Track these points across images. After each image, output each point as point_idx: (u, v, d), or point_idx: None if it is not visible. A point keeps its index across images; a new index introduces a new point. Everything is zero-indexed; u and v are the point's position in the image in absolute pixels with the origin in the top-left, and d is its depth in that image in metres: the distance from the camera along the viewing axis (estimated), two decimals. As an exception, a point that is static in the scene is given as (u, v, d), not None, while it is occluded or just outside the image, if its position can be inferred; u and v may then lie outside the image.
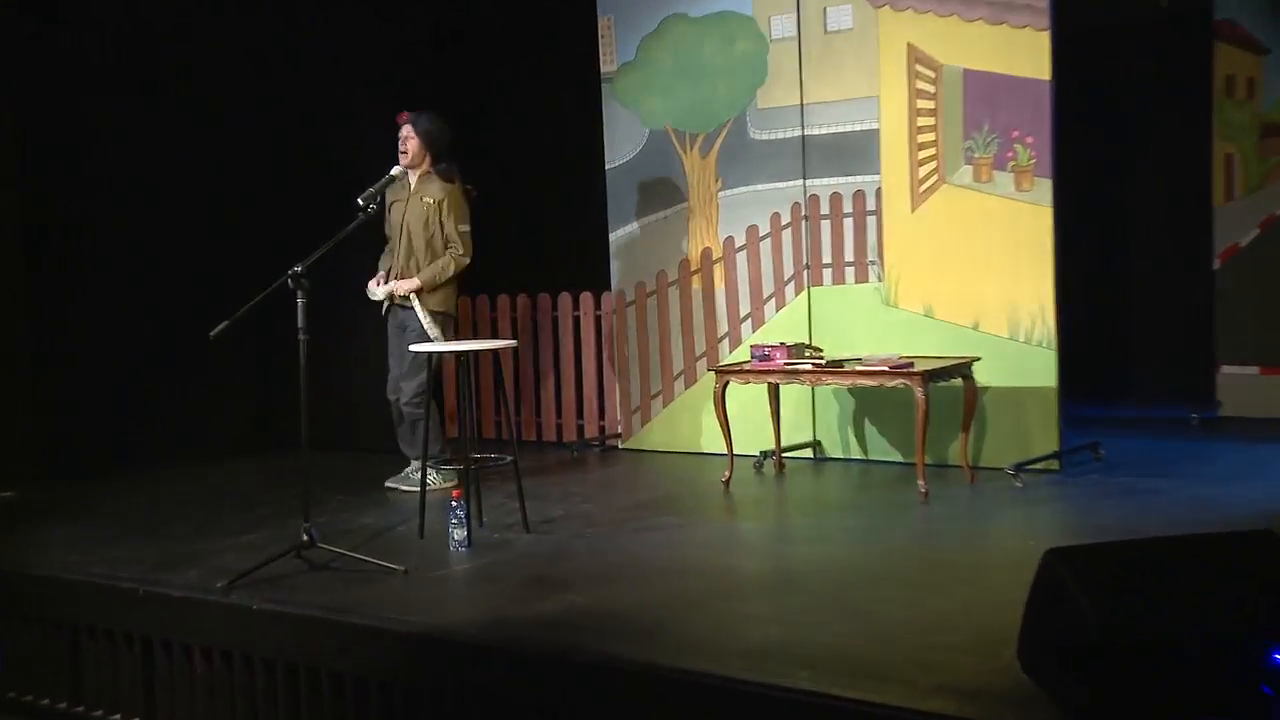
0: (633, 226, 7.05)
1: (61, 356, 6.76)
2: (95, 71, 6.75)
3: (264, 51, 7.43)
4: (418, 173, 5.91)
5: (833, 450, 6.49)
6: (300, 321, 4.60)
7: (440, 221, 5.84)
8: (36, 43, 6.47)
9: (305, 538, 4.60)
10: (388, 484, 6.05)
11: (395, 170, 5.24)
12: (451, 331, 5.97)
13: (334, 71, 7.41)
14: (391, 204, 6.00)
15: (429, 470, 5.75)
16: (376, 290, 5.92)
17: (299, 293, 4.59)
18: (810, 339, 6.40)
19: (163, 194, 7.09)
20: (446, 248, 5.86)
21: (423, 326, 5.79)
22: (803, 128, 6.44)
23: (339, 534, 5.11)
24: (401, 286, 5.84)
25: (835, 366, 5.64)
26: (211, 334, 4.69)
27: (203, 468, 6.96)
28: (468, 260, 5.88)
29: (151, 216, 7.06)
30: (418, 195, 5.89)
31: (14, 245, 6.50)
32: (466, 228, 5.86)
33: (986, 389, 5.93)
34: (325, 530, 4.96)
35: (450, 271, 5.85)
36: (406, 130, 5.87)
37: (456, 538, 4.82)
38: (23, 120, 6.48)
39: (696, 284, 6.87)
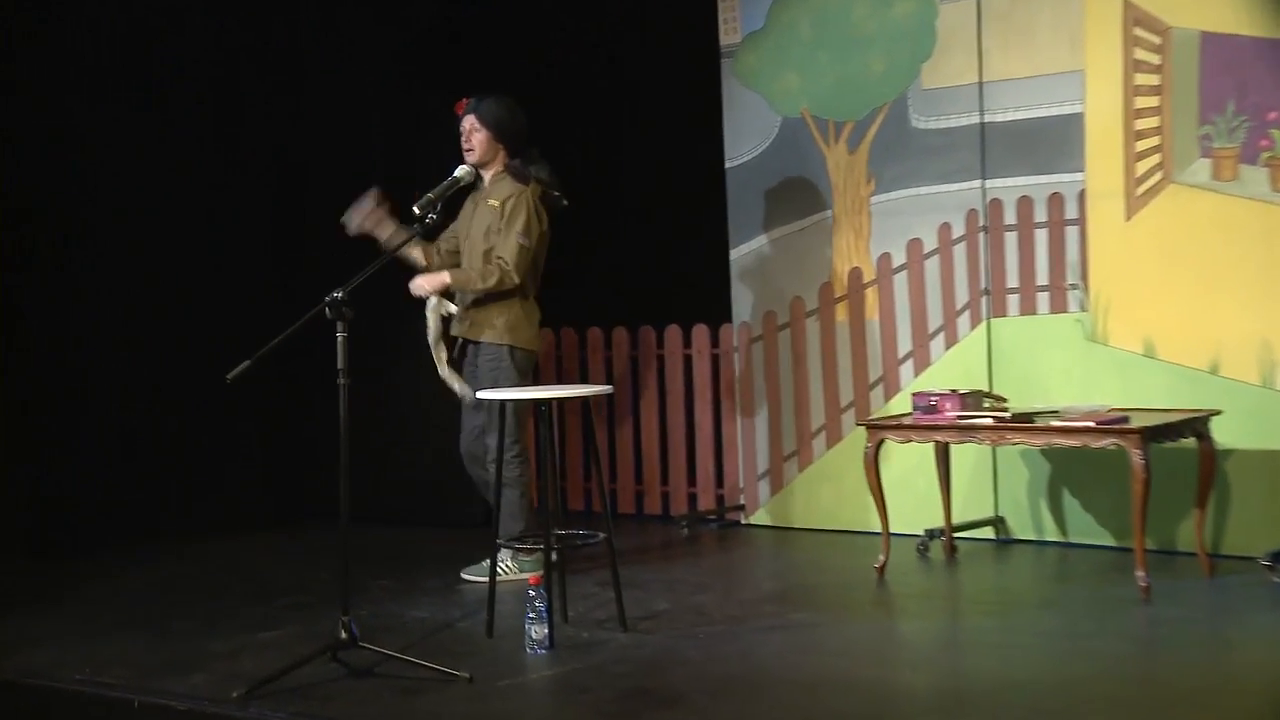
0: (760, 241, 7.04)
1: (37, 407, 6.89)
2: (86, 77, 6.96)
3: (270, 27, 7.57)
4: (490, 171, 5.94)
5: (1020, 530, 6.38)
6: (340, 361, 4.61)
7: (499, 228, 5.80)
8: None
9: (343, 635, 4.60)
10: (465, 574, 6.00)
11: (460, 171, 5.26)
12: (530, 376, 5.95)
13: (360, 55, 7.53)
14: (460, 212, 6.04)
15: (503, 554, 5.73)
16: (429, 298, 5.84)
17: (340, 324, 4.61)
18: (990, 385, 6.33)
19: (158, 211, 7.23)
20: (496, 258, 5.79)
21: (494, 363, 5.80)
22: (981, 112, 6.37)
23: (385, 630, 5.10)
24: (422, 283, 5.75)
25: (1024, 421, 5.55)
26: (229, 376, 4.73)
27: (211, 544, 7.04)
28: (516, 279, 5.76)
29: (145, 238, 7.20)
30: (486, 198, 5.91)
31: None
32: (526, 241, 5.77)
33: (1229, 452, 5.78)
34: (367, 625, 4.96)
35: (491, 282, 5.75)
36: (469, 122, 5.87)
37: (534, 637, 4.80)
38: None
39: (842, 314, 6.83)
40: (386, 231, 5.77)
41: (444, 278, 5.81)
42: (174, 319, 7.27)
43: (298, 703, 4.32)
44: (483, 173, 5.90)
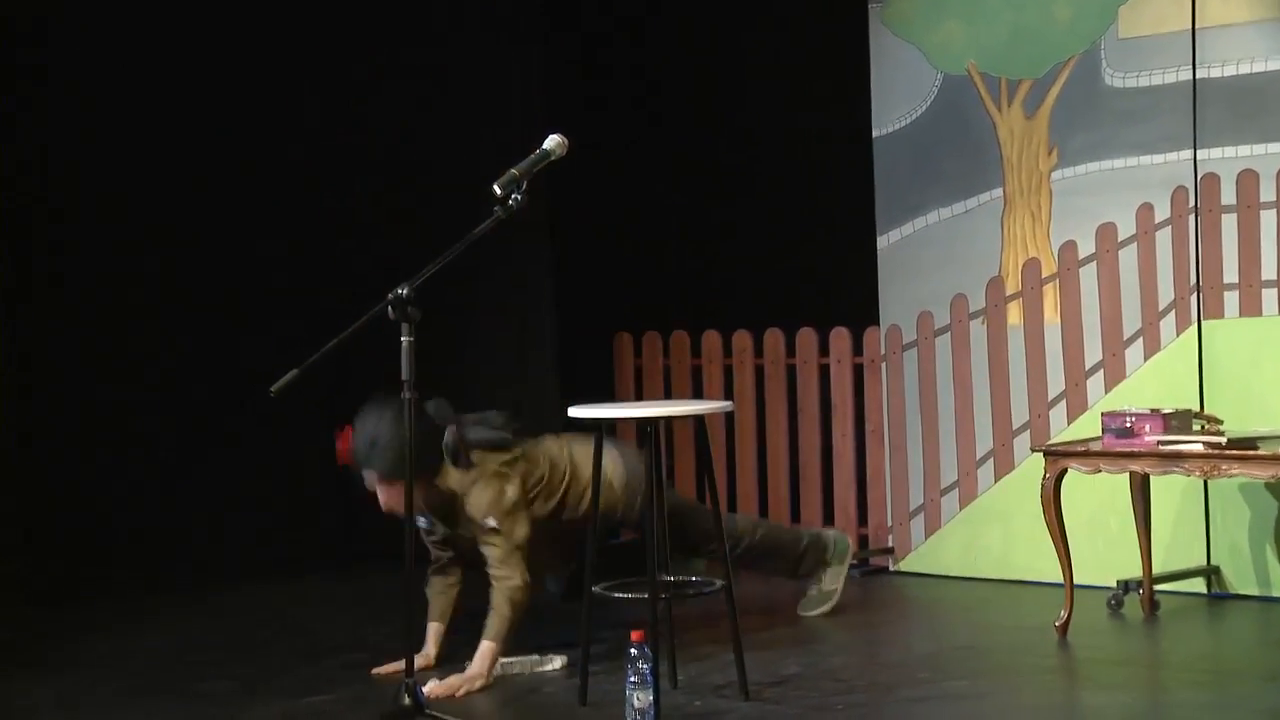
0: (914, 226, 7.02)
1: (50, 434, 6.99)
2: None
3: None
4: (448, 493, 5.49)
5: (1239, 582, 6.30)
6: (405, 370, 4.64)
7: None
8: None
9: (406, 700, 4.61)
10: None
11: (550, 142, 5.18)
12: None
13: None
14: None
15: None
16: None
17: (405, 327, 4.63)
18: (1202, 404, 6.26)
19: (181, 208, 7.35)
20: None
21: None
22: (1194, 67, 6.30)
23: (459, 697, 5.13)
24: (471, 682, 5.28)
25: (1244, 447, 5.47)
26: (274, 389, 4.77)
27: (245, 590, 7.08)
28: (525, 580, 5.43)
29: (166, 240, 7.31)
30: (461, 523, 5.54)
31: None
32: (519, 536, 5.46)
33: None
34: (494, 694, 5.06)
35: (515, 606, 5.40)
36: (370, 480, 5.37)
37: (637, 705, 4.76)
38: None
39: (1015, 316, 6.78)
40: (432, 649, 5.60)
41: (486, 658, 5.34)
42: (198, 331, 7.35)
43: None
44: (434, 506, 5.51)
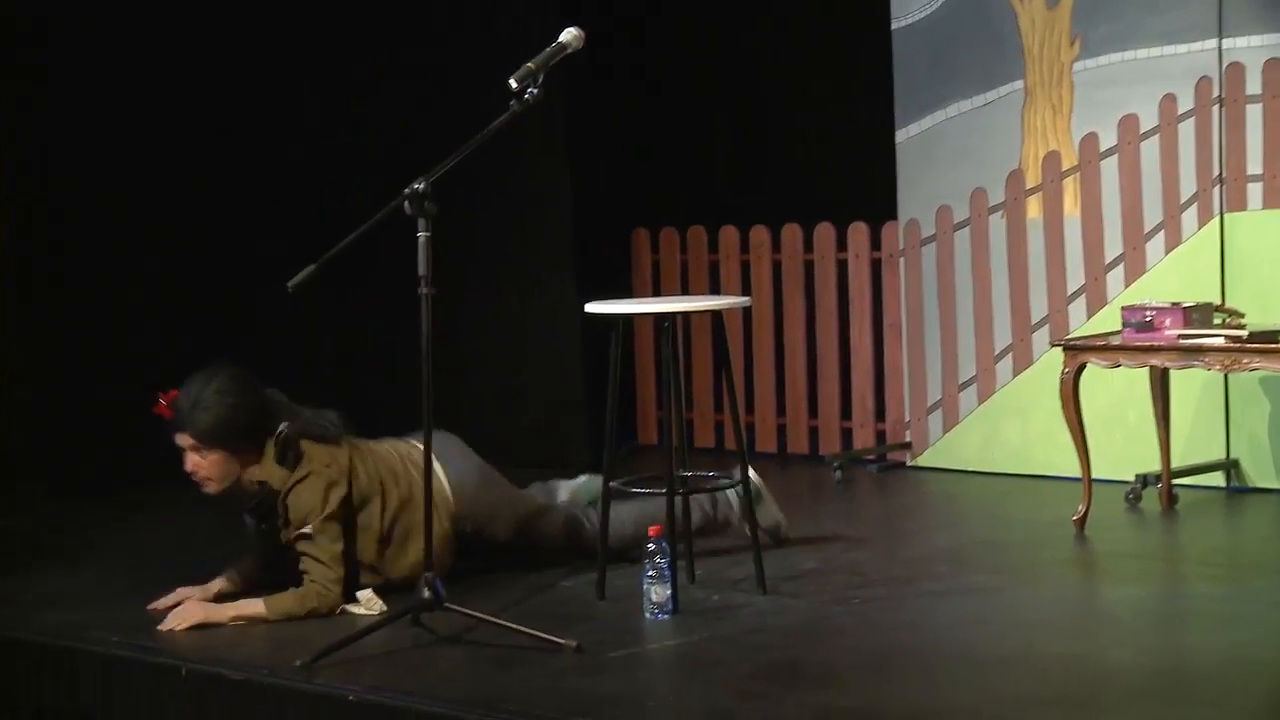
0: (933, 120, 6.99)
1: (66, 336, 7.08)
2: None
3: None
4: (265, 482, 5.07)
5: (1258, 476, 6.32)
6: (422, 267, 4.61)
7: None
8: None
9: (426, 594, 4.62)
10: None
11: (567, 35, 5.10)
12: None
13: None
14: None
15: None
16: None
17: (421, 222, 4.61)
18: (1223, 297, 6.23)
19: (180, 207, 7.41)
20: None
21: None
22: (1218, -49, 6.26)
23: (478, 588, 5.14)
24: (186, 616, 4.94)
25: (1265, 340, 5.46)
26: (291, 284, 4.74)
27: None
28: (336, 596, 4.97)
29: (165, 238, 7.38)
30: (281, 523, 5.08)
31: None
32: (337, 543, 5.01)
33: None
34: (457, 584, 4.97)
35: (309, 606, 4.95)
36: (185, 442, 5.01)
37: (654, 599, 4.81)
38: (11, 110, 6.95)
39: (1034, 210, 6.77)
40: (216, 587, 5.16)
41: (245, 612, 4.95)
42: (216, 226, 7.38)
43: (371, 674, 4.36)
44: (251, 489, 5.09)
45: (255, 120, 7.46)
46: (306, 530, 4.98)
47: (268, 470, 5.04)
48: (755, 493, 5.37)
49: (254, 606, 4.95)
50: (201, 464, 5.01)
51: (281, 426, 5.03)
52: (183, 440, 5.02)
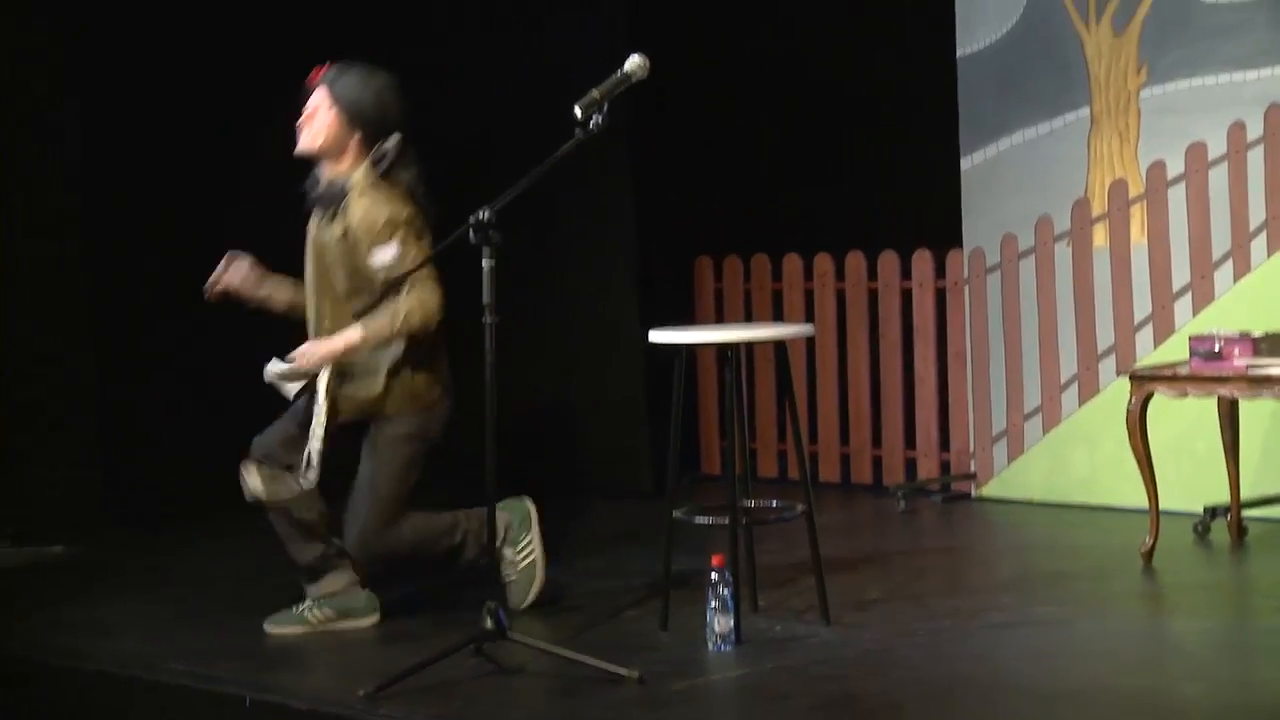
0: (999, 147, 6.99)
1: (134, 364, 7.14)
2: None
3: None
4: (337, 173, 5.20)
5: (1329, 509, 6.26)
6: (487, 295, 4.65)
7: (358, 257, 5.08)
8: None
9: (489, 624, 4.64)
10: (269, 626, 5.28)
11: (631, 64, 5.05)
12: (423, 442, 5.24)
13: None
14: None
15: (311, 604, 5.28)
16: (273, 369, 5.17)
17: (486, 250, 4.64)
18: (1292, 327, 6.18)
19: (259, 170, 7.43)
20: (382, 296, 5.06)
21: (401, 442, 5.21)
22: (1290, -21, 6.24)
23: (540, 618, 5.17)
24: (314, 352, 5.08)
25: (1336, 371, 5.41)
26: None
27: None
28: (438, 317, 5.06)
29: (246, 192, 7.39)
30: (329, 218, 5.18)
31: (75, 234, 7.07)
32: (394, 250, 5.07)
33: None
34: (518, 613, 5.02)
35: (410, 324, 5.03)
36: (318, 96, 5.21)
37: (718, 630, 4.81)
38: (85, 95, 7.02)
39: (1101, 239, 6.74)
40: (268, 289, 5.37)
41: (351, 337, 5.07)
42: (284, 258, 7.44)
43: (434, 704, 4.36)
44: (328, 174, 5.21)
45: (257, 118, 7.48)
46: (385, 256, 5.01)
47: (357, 169, 5.15)
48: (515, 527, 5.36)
49: (352, 333, 5.03)
50: (321, 117, 5.16)
51: (390, 140, 5.14)
52: (317, 95, 5.20)
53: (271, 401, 7.13)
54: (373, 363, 5.12)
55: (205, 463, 7.16)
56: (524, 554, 5.38)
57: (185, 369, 7.25)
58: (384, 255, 5.05)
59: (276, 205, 7.42)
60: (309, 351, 5.08)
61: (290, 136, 7.55)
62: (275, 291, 5.37)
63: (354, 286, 5.11)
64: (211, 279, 5.37)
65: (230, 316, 7.32)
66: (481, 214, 4.62)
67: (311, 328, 5.25)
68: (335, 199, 5.15)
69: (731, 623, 4.81)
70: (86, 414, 7.06)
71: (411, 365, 5.14)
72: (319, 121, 5.18)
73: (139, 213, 7.22)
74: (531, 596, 5.33)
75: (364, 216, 5.06)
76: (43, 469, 6.90)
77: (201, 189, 7.29)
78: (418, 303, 5.00)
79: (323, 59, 7.47)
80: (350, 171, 5.17)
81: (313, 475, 5.13)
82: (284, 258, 7.37)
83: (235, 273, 5.35)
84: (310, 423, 5.11)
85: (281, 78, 7.39)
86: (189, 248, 7.28)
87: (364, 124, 5.16)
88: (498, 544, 5.26)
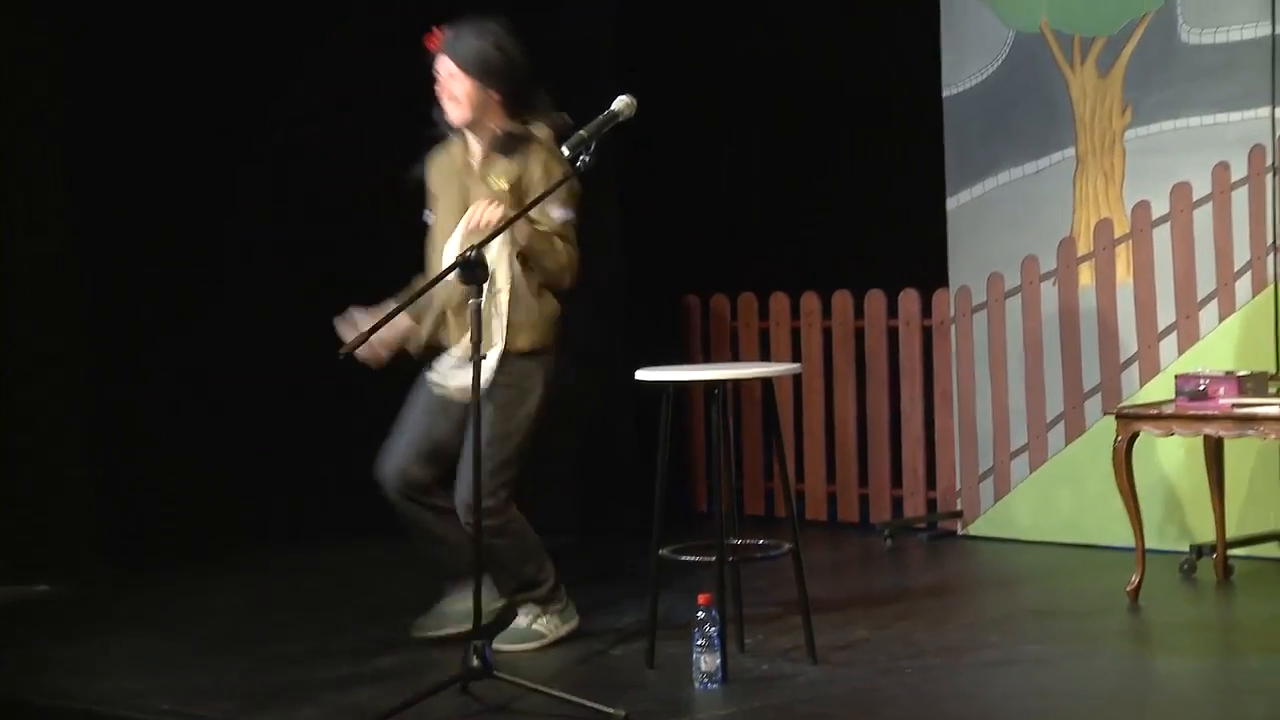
0: (985, 187, 6.99)
1: (128, 397, 7.08)
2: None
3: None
4: (483, 135, 5.29)
5: (1314, 548, 6.26)
6: (474, 332, 4.65)
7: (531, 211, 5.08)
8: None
9: (475, 662, 4.63)
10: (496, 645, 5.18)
11: (619, 103, 5.08)
12: (541, 382, 5.38)
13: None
14: (434, 182, 5.41)
15: (545, 612, 5.39)
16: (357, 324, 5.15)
17: (474, 289, 4.64)
18: (1278, 366, 6.21)
19: (257, 182, 7.43)
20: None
21: (518, 382, 5.26)
22: (1273, 22, 6.24)
23: (526, 659, 5.16)
24: (487, 215, 5.03)
25: (1320, 410, 5.41)
26: (341, 351, 4.80)
27: (318, 553, 7.15)
28: (577, 271, 5.30)
29: (240, 211, 7.42)
30: (483, 176, 5.27)
31: (69, 252, 6.96)
32: (573, 215, 5.28)
33: None
34: (503, 652, 5.00)
35: (562, 261, 5.25)
36: (444, 67, 5.24)
37: (704, 669, 4.80)
38: (85, 95, 6.97)
39: (1087, 278, 6.75)
40: (403, 325, 5.30)
41: (528, 226, 5.12)
42: (274, 301, 7.41)
43: (419, 741, 4.35)
44: (471, 138, 5.31)
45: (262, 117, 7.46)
46: (560, 214, 5.21)
47: (512, 124, 5.26)
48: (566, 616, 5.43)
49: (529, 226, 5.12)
50: (454, 87, 5.21)
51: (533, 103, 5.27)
52: (443, 66, 5.24)
53: (249, 445, 7.07)
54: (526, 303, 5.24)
55: (194, 499, 7.19)
56: (542, 625, 5.36)
57: (178, 397, 7.20)
58: (560, 213, 5.23)
59: (276, 205, 7.55)
60: (487, 210, 5.07)
61: (291, 136, 7.63)
62: (399, 322, 5.22)
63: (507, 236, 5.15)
64: (351, 346, 4.90)
65: (220, 363, 7.34)
66: (470, 253, 4.63)
67: (442, 300, 5.25)
68: (514, 148, 5.26)
69: (718, 661, 4.80)
70: (73, 429, 6.96)
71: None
72: (457, 91, 5.24)
73: (139, 213, 7.13)
74: (506, 644, 5.23)
75: (544, 173, 5.21)
76: (32, 506, 6.83)
77: (202, 189, 7.25)
78: (574, 260, 5.28)
79: (323, 59, 7.54)
80: (511, 128, 5.26)
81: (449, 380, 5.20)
82: (284, 257, 7.46)
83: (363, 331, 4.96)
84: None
85: (281, 78, 7.51)
86: (189, 248, 7.29)
87: (496, 80, 5.23)
88: (537, 593, 5.35)
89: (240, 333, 7.34)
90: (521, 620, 5.36)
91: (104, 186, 7.02)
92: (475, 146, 5.33)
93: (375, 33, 7.59)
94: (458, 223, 5.16)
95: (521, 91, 5.29)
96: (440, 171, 5.40)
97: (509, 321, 5.19)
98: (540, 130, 5.29)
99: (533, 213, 5.06)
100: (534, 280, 5.25)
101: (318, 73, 7.54)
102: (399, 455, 5.32)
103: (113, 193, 7.04)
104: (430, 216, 5.41)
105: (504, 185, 5.22)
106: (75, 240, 6.95)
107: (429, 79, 5.32)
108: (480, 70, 5.21)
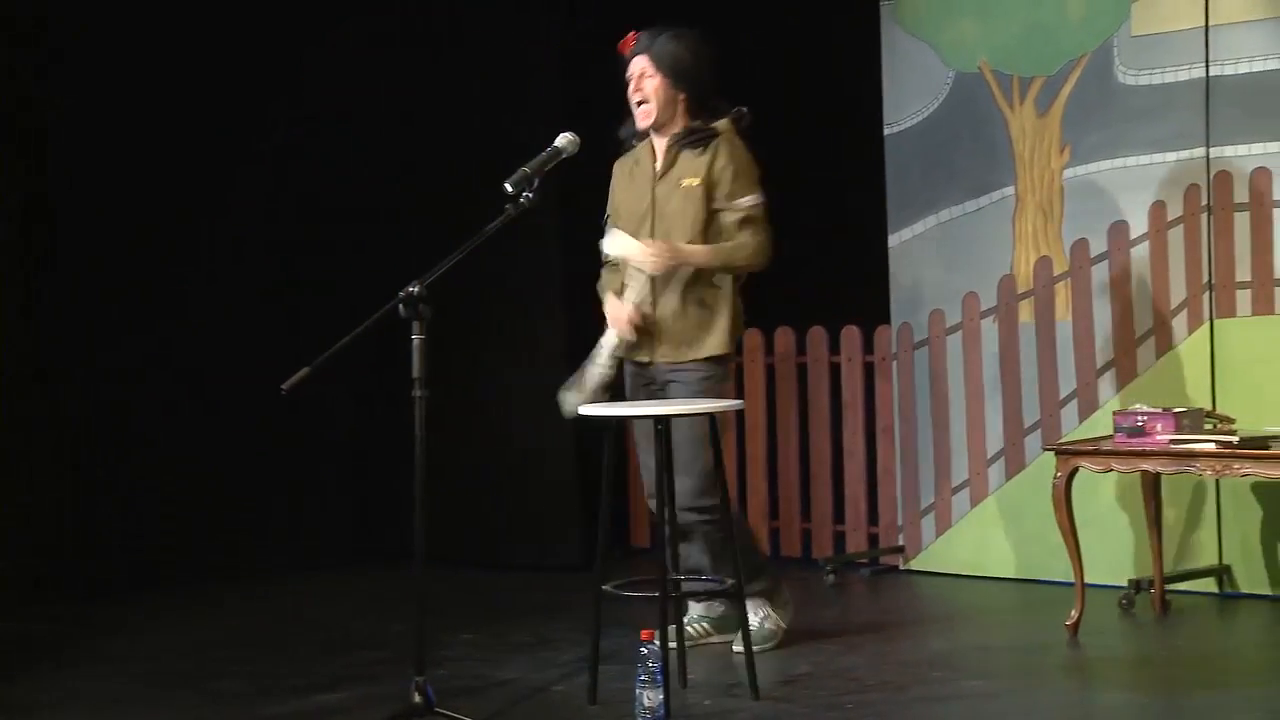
0: (925, 224, 7.04)
1: (77, 430, 7.04)
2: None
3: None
4: (666, 136, 5.56)
5: (1250, 582, 6.29)
6: (416, 369, 4.65)
7: (720, 200, 5.48)
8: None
9: (416, 698, 4.62)
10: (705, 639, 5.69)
11: (562, 140, 5.15)
12: (729, 386, 5.73)
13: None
14: (617, 190, 5.70)
15: (696, 618, 5.71)
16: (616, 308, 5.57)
17: (416, 325, 4.65)
18: (1214, 403, 6.26)
19: (212, 199, 7.40)
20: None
21: (695, 384, 5.50)
22: (1207, 64, 6.31)
23: (467, 694, 5.13)
24: (653, 258, 5.40)
25: (1256, 446, 5.48)
26: (284, 386, 4.79)
27: (265, 589, 7.13)
28: (770, 253, 5.60)
29: (194, 231, 7.37)
30: (679, 178, 5.51)
31: (14, 277, 6.93)
32: (755, 198, 5.57)
33: None
34: (447, 687, 4.98)
35: (758, 259, 5.57)
36: (640, 65, 5.51)
37: (647, 704, 4.78)
38: (82, 95, 6.97)
39: (1026, 315, 6.80)
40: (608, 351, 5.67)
41: (700, 250, 5.49)
42: (226, 337, 7.38)
43: (361, 777, 4.33)
44: (656, 139, 5.58)
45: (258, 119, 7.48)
46: (749, 199, 5.52)
47: (677, 129, 5.53)
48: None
49: (702, 249, 5.47)
50: (648, 85, 5.47)
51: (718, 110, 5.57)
52: (638, 63, 5.50)
53: (191, 481, 7.01)
54: (709, 297, 5.53)
55: (137, 542, 7.14)
56: (773, 621, 5.69)
57: (116, 450, 7.14)
58: (749, 199, 5.52)
59: (276, 205, 7.52)
60: (659, 248, 5.41)
61: (290, 136, 7.60)
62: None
63: (698, 228, 5.48)
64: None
65: (161, 397, 7.28)
66: (411, 288, 4.63)
67: (639, 294, 5.54)
68: (699, 144, 5.52)
69: (660, 697, 4.78)
70: (37, 486, 6.95)
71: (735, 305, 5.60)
72: (647, 88, 5.49)
73: (139, 213, 7.13)
74: (755, 645, 5.26)
75: (731, 162, 5.50)
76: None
77: (202, 189, 7.26)
78: (764, 242, 5.54)
79: (323, 60, 7.52)
80: (679, 125, 5.53)
81: (574, 398, 5.49)
82: (284, 257, 7.43)
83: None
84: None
85: (281, 79, 7.50)
86: (188, 250, 7.29)
87: (688, 83, 5.51)
88: (763, 583, 5.64)
89: (176, 374, 7.30)
90: (753, 618, 5.51)
91: (105, 186, 7.03)
92: (660, 149, 5.56)
93: (375, 33, 7.63)
94: (637, 230, 5.51)
95: (706, 96, 5.57)
96: (623, 180, 5.67)
97: (715, 325, 5.55)
98: (721, 124, 5.57)
99: (720, 204, 5.48)
100: (729, 283, 5.58)
101: (317, 73, 7.55)
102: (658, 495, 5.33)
103: (113, 192, 7.05)
104: (609, 223, 5.68)
105: (694, 182, 5.49)
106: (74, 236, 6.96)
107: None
108: (673, 70, 5.49)
